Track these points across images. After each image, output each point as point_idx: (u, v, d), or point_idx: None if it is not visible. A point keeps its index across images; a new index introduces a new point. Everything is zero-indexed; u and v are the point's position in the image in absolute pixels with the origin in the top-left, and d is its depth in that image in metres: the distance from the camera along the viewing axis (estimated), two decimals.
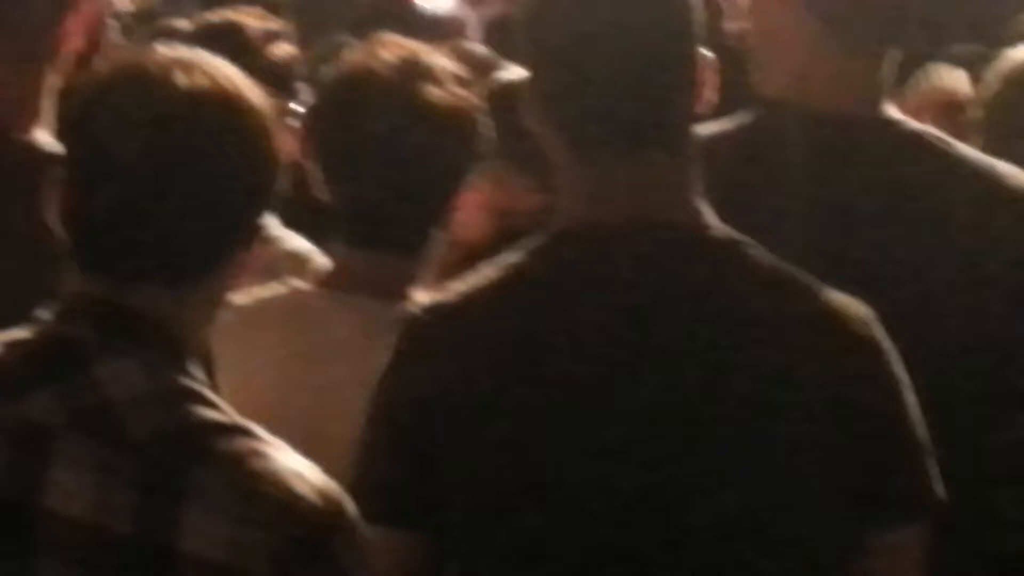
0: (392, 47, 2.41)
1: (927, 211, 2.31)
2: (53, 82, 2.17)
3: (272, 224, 2.90)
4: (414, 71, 2.35)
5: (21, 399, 1.69)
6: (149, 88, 1.72)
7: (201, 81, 1.73)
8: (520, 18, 2.05)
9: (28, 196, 1.87)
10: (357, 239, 2.39)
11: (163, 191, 1.70)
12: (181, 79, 1.72)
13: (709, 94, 2.01)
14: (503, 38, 4.82)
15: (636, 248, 1.95)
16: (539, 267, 1.97)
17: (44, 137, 2.12)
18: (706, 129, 2.11)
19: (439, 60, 2.41)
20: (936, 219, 2.30)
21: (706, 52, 2.00)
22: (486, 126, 2.41)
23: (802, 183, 2.30)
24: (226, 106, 1.73)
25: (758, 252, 1.97)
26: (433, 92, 2.34)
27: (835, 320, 1.95)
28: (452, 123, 2.35)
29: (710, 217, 1.97)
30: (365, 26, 5.30)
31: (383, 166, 2.33)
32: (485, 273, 2.00)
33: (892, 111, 2.39)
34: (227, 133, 1.72)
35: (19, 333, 1.75)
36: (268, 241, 2.80)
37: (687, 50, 1.99)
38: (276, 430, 1.72)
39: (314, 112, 2.49)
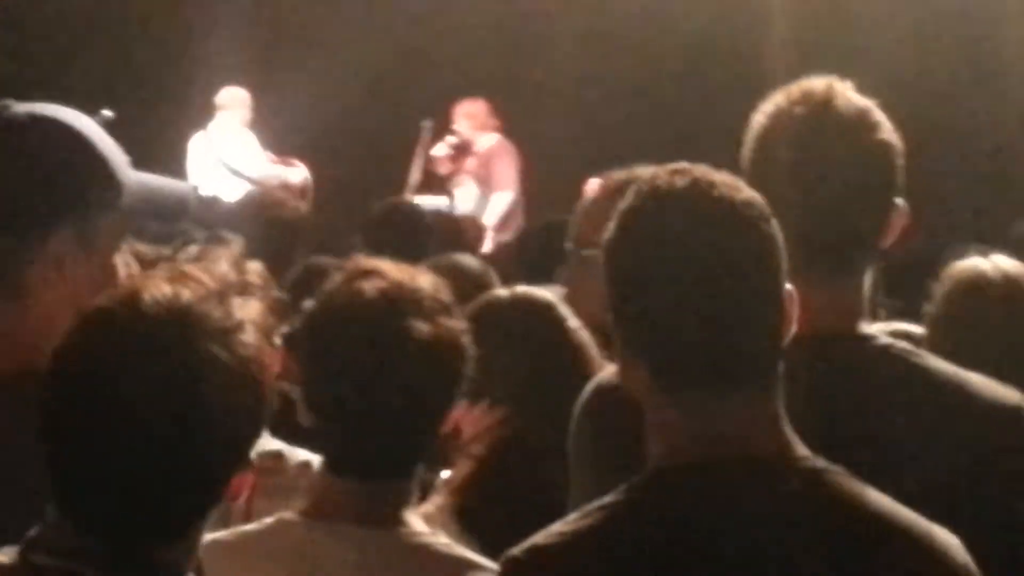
0: (376, 276, 2.42)
1: (902, 421, 2.41)
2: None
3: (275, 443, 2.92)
4: (397, 303, 2.37)
5: None
6: (129, 330, 1.73)
7: (182, 313, 1.74)
8: (606, 247, 2.06)
9: None
10: (341, 467, 2.41)
11: (143, 450, 1.71)
12: (158, 311, 1.74)
13: (793, 326, 2.05)
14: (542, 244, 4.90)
15: (735, 485, 1.96)
16: (639, 507, 1.97)
17: None
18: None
19: (424, 287, 2.42)
20: (906, 428, 2.40)
21: (790, 285, 2.05)
22: (470, 352, 2.43)
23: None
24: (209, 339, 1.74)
25: (849, 481, 2.01)
26: (416, 326, 2.35)
27: (931, 548, 1.99)
28: (436, 356, 2.36)
29: (800, 447, 2.02)
30: (376, 234, 5.54)
31: (366, 400, 2.35)
32: (583, 513, 2.00)
33: (866, 327, 2.51)
34: (221, 372, 1.74)
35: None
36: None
37: (775, 284, 2.03)
38: None
39: (296, 340, 2.47)
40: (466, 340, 2.42)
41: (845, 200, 2.45)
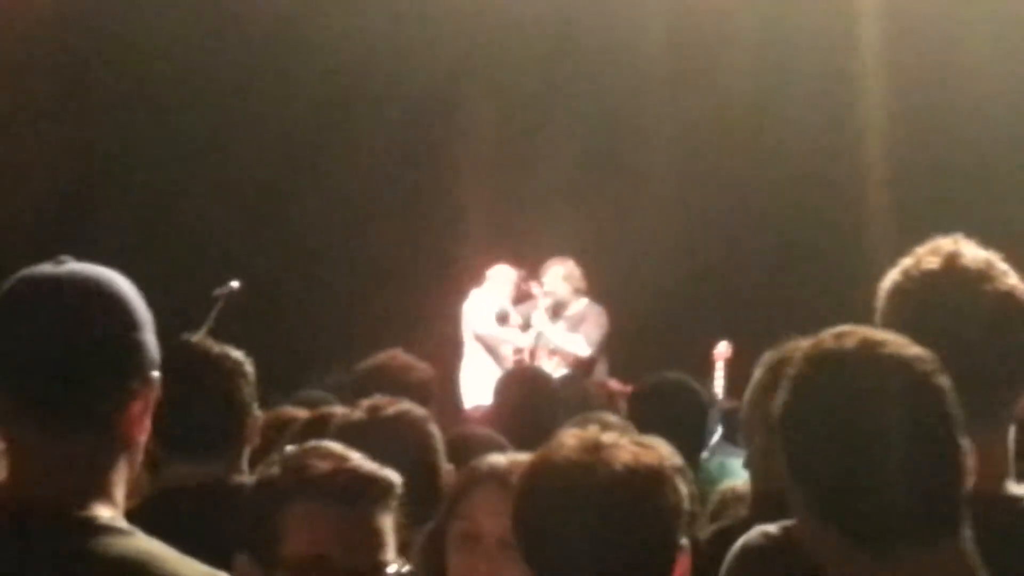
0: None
1: None
2: (128, 464, 2.29)
3: None
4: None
5: None
6: None
7: None
8: (781, 416, 2.12)
9: None
10: None
11: None
12: None
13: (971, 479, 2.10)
14: None
15: None
16: None
17: (105, 513, 2.22)
18: None
19: None
20: None
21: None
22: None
23: None
24: None
25: None
26: None
27: None
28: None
29: None
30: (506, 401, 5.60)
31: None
32: None
33: (1014, 487, 2.46)
34: None
35: None
36: None
37: (952, 439, 2.07)
38: None
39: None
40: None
41: (983, 346, 2.44)
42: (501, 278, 10.48)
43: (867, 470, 2.01)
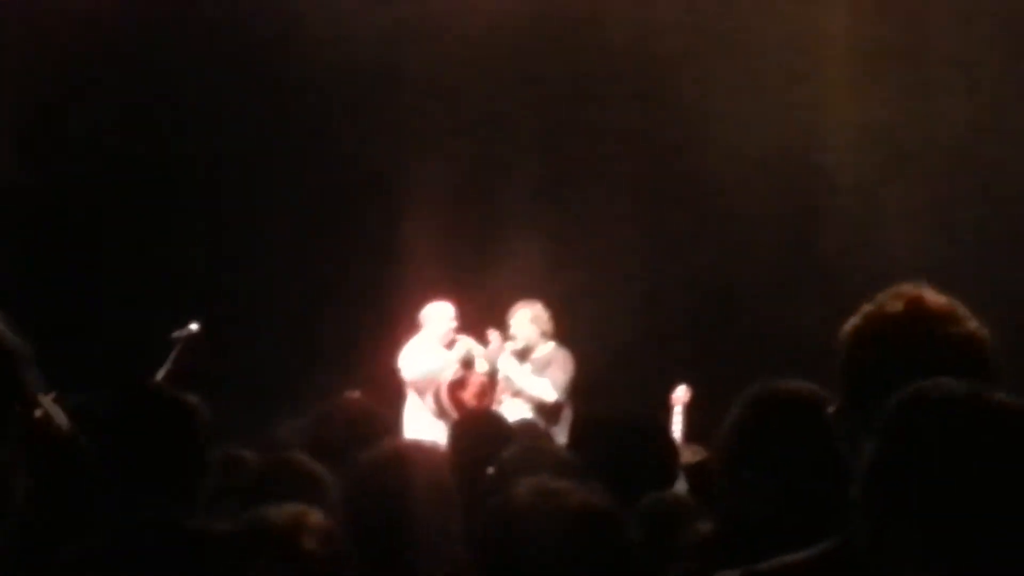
0: None
1: None
2: None
3: None
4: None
5: None
6: None
7: None
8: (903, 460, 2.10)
9: None
10: None
11: None
12: None
13: None
14: None
15: None
16: None
17: None
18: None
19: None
20: None
21: None
22: None
23: None
24: None
25: None
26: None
27: None
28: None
29: None
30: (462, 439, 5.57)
31: None
32: None
33: None
34: None
35: None
36: None
37: None
38: None
39: None
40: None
41: None
42: (435, 317, 10.29)
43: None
